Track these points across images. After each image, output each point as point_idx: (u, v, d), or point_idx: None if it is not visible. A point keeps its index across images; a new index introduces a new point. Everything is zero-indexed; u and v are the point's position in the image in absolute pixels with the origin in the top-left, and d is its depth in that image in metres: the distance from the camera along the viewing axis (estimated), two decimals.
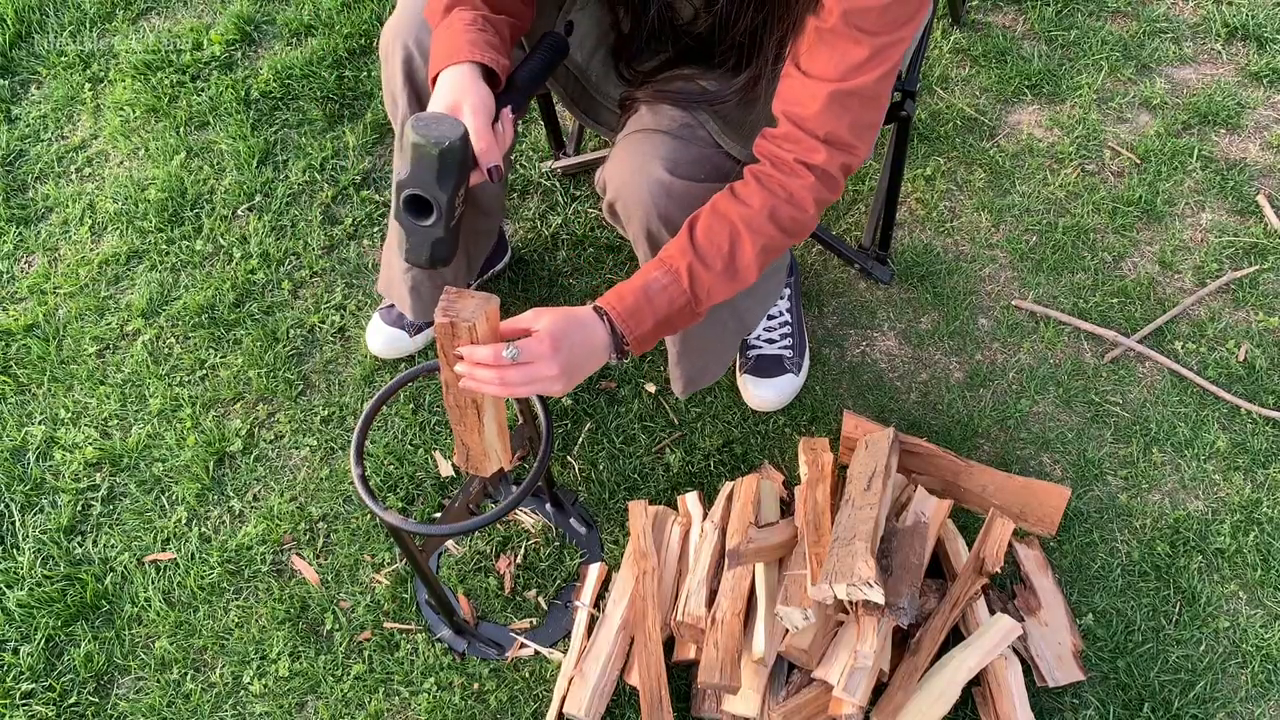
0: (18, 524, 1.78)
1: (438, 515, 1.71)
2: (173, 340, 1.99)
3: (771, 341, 1.80)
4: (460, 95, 1.20)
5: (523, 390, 1.16)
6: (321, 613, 1.66)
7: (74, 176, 2.26)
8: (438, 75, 1.23)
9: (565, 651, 1.59)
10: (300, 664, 1.61)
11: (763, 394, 1.79)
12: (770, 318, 1.81)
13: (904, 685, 1.42)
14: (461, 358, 1.15)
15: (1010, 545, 1.61)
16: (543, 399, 1.40)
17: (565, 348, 1.16)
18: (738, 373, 1.84)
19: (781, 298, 1.82)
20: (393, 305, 1.89)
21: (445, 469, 1.79)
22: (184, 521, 1.77)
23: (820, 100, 1.17)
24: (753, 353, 1.81)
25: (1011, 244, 2.02)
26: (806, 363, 1.84)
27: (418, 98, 1.46)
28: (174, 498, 1.80)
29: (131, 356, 1.97)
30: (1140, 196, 2.05)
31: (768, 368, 1.79)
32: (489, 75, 1.24)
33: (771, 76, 1.31)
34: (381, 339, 1.89)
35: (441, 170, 1.12)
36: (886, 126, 1.64)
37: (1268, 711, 1.51)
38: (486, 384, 1.15)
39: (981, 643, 1.46)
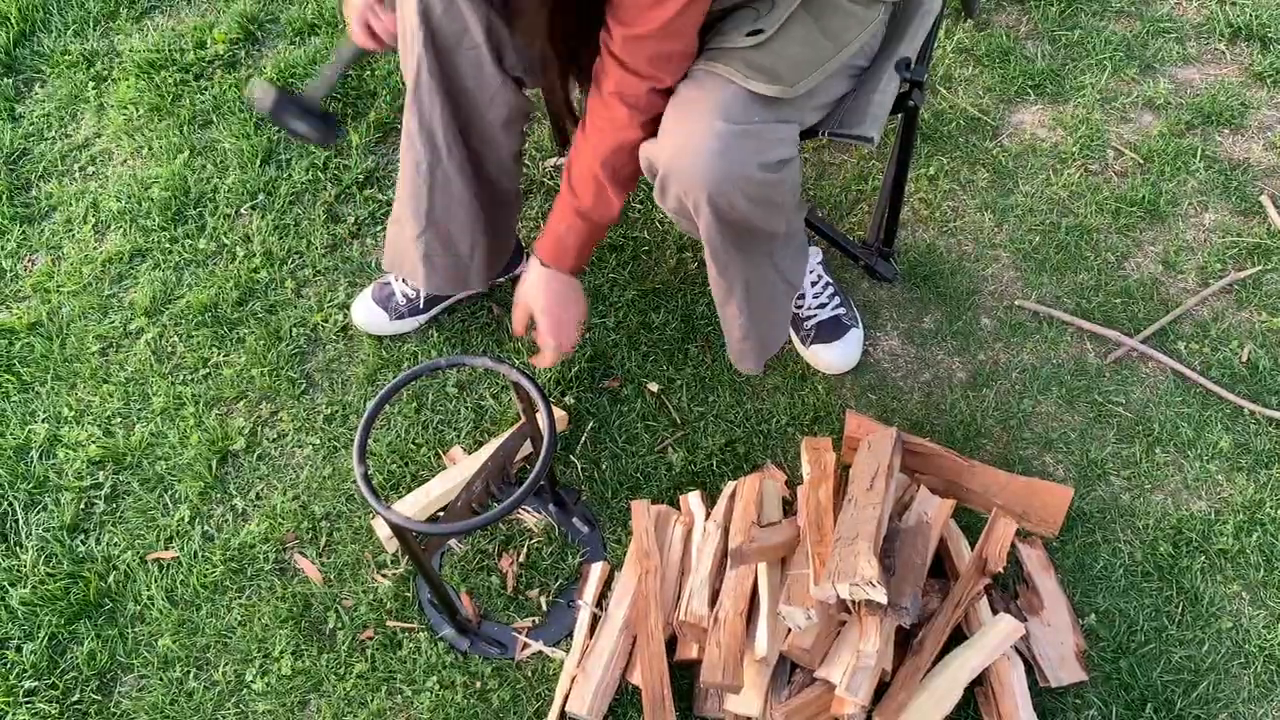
0: (21, 522, 1.78)
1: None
2: (176, 339, 1.99)
3: (823, 306, 1.85)
4: None
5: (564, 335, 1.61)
6: (324, 611, 1.66)
7: (77, 175, 2.26)
8: None
9: (568, 650, 1.59)
10: (303, 662, 1.61)
11: (836, 355, 1.83)
12: (812, 284, 1.86)
13: (906, 685, 1.42)
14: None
15: (1013, 545, 1.61)
16: (545, 398, 1.40)
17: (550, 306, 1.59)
18: (802, 347, 1.86)
19: (814, 255, 1.87)
20: (387, 283, 1.92)
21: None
22: (187, 520, 1.77)
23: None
24: (811, 322, 1.84)
25: (1015, 244, 2.01)
26: (859, 316, 1.90)
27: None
28: (177, 496, 1.80)
29: (135, 355, 1.97)
30: (1143, 197, 2.05)
31: (831, 331, 1.84)
32: None
33: None
34: (364, 313, 1.93)
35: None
36: (893, 116, 1.63)
37: (1270, 712, 1.51)
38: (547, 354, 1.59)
39: (984, 643, 1.46)
